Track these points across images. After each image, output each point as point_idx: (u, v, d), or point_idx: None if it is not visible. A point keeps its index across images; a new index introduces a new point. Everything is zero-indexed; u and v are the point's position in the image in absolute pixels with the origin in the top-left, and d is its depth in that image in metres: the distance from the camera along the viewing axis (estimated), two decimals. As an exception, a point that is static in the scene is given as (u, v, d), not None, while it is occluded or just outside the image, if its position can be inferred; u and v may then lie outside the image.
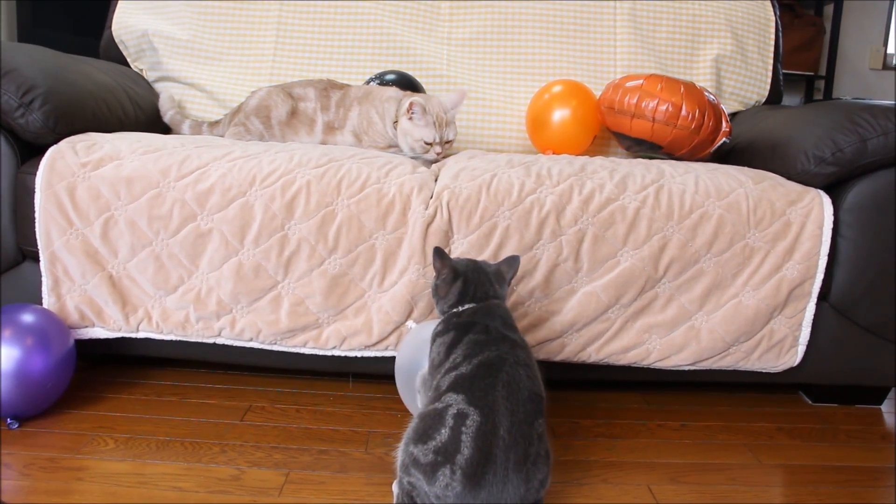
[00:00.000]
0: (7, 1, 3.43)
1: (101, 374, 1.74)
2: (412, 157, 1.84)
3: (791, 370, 1.68)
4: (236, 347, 1.62)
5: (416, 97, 1.84)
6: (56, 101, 1.60)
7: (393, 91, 1.95)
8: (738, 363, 1.64)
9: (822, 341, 1.67)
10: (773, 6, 2.43)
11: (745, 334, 1.62)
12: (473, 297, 1.30)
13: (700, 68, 2.33)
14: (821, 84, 4.43)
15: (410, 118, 1.82)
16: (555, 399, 1.73)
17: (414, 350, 1.45)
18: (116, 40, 2.29)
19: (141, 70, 2.30)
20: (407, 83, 2.10)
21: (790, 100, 4.36)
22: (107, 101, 1.82)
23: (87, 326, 1.59)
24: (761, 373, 1.68)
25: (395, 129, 1.88)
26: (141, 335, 1.60)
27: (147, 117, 2.04)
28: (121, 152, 1.58)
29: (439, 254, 1.30)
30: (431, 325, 1.48)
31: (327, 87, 1.98)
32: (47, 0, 3.42)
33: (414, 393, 1.42)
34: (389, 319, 1.57)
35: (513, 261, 1.35)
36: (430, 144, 1.82)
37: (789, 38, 4.04)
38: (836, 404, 1.80)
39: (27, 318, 1.46)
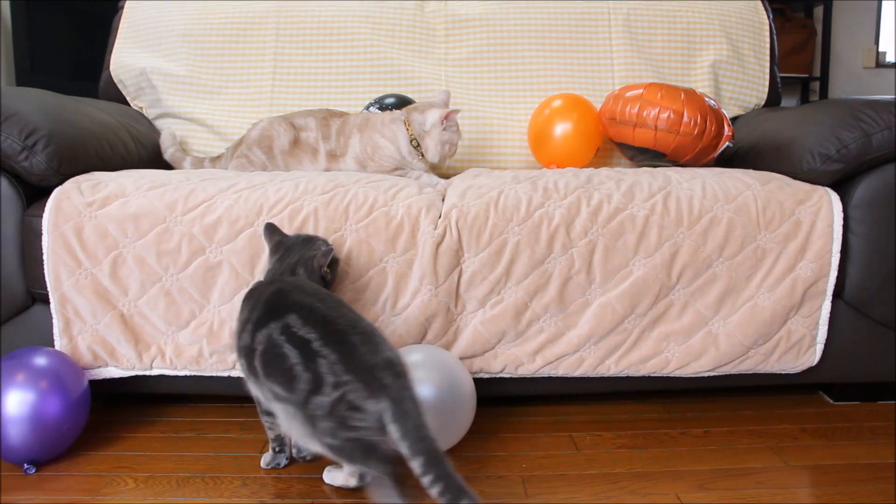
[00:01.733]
0: (5, 47, 3.46)
1: (117, 413, 1.72)
2: (424, 171, 1.94)
3: (810, 370, 1.66)
4: (251, 379, 1.61)
5: (433, 109, 1.90)
6: (59, 142, 1.60)
7: (390, 115, 1.96)
8: (757, 366, 1.63)
9: (839, 339, 1.65)
10: (766, 9, 2.44)
11: (763, 336, 1.60)
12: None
13: (698, 74, 2.34)
14: (816, 85, 4.45)
15: (446, 128, 1.89)
16: (574, 413, 1.72)
17: None
18: (115, 80, 2.30)
19: (141, 108, 2.31)
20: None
21: (787, 102, 4.38)
22: (109, 141, 1.82)
23: (100, 366, 1.58)
24: (780, 374, 1.67)
25: (413, 147, 1.91)
26: (155, 372, 1.59)
27: (149, 154, 2.05)
28: (126, 190, 1.58)
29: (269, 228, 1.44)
30: (411, 350, 1.48)
31: (327, 117, 1.99)
32: (45, 46, 3.45)
33: None
34: (404, 342, 1.56)
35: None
36: (456, 144, 1.94)
37: (781, 42, 4.06)
38: (857, 402, 1.78)
39: (40, 361, 1.45)
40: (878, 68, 4.58)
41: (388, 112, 1.98)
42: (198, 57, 2.28)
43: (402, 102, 2.11)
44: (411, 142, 1.91)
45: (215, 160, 2.05)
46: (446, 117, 1.89)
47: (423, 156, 1.93)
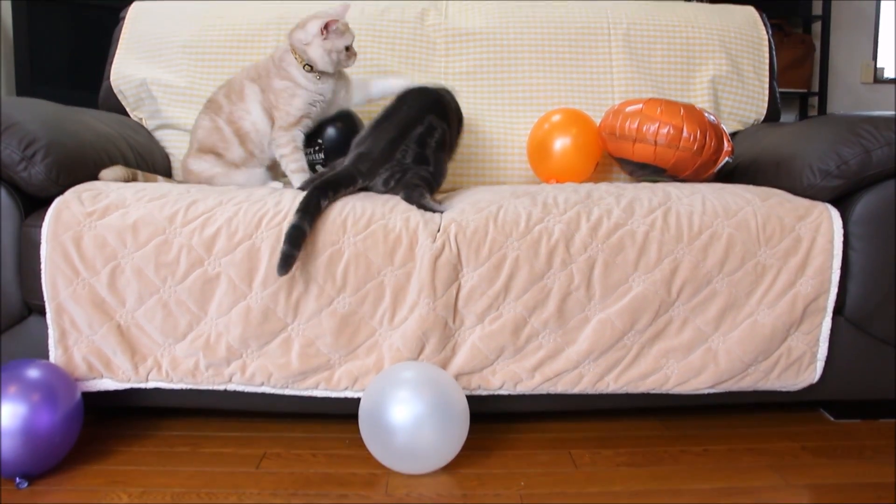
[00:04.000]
0: (6, 56, 3.46)
1: (110, 426, 1.71)
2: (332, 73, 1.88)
3: (811, 387, 1.65)
4: (248, 393, 1.60)
5: (313, 20, 1.83)
6: (58, 153, 1.60)
7: (278, 51, 1.90)
8: (757, 383, 1.62)
9: (840, 356, 1.65)
10: (765, 25, 2.45)
11: (763, 353, 1.60)
12: None
13: (697, 90, 2.34)
14: (814, 101, 4.46)
15: (327, 37, 1.82)
16: (573, 430, 1.71)
17: (380, 394, 1.44)
18: (115, 90, 2.29)
19: (140, 119, 2.30)
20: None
21: (786, 117, 4.39)
22: (108, 151, 1.82)
23: (95, 378, 1.57)
24: (781, 392, 1.66)
25: (306, 71, 1.85)
26: (150, 385, 1.58)
27: (148, 166, 2.04)
28: (126, 200, 1.57)
29: None
30: (402, 368, 1.47)
31: (206, 103, 1.96)
32: (45, 56, 3.46)
33: (380, 437, 1.42)
34: (401, 357, 1.55)
35: None
36: (349, 49, 1.87)
37: (780, 57, 4.07)
38: (858, 420, 1.77)
39: (32, 373, 1.43)
40: (877, 84, 4.60)
41: (277, 50, 1.91)
42: (198, 68, 2.28)
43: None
44: (304, 67, 1.85)
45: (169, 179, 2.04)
46: (325, 27, 1.81)
47: (319, 75, 1.86)
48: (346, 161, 1.72)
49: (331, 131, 1.96)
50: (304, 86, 1.86)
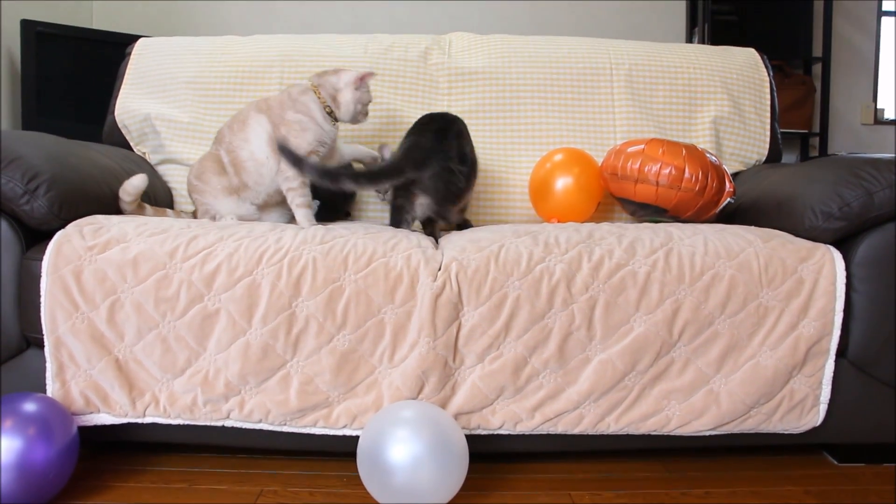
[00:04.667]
0: (13, 89, 3.49)
1: (106, 461, 1.69)
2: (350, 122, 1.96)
3: (814, 430, 1.64)
4: (245, 430, 1.58)
5: (347, 70, 1.93)
6: (60, 186, 1.60)
7: (296, 88, 1.94)
8: (759, 426, 1.61)
9: (843, 399, 1.63)
10: (766, 66, 2.47)
11: (765, 395, 1.58)
12: None
13: (699, 130, 2.35)
14: (815, 141, 4.48)
15: (359, 88, 1.91)
16: (573, 471, 1.69)
17: (379, 433, 1.43)
18: (119, 125, 2.31)
19: (144, 153, 2.31)
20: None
21: (786, 158, 4.41)
22: (110, 185, 1.82)
23: (92, 412, 1.56)
24: (784, 434, 1.64)
25: (326, 113, 1.90)
26: (147, 420, 1.57)
27: (150, 200, 2.05)
28: (127, 235, 1.57)
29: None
30: (402, 406, 1.46)
31: (217, 134, 1.98)
32: (51, 89, 3.49)
33: (379, 476, 1.40)
34: (401, 395, 1.53)
35: None
36: (367, 106, 1.97)
37: (781, 98, 4.10)
38: (862, 464, 1.75)
39: (28, 407, 1.42)
40: (877, 125, 4.63)
41: (293, 87, 1.95)
42: (202, 104, 2.30)
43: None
44: (324, 108, 1.90)
45: (178, 212, 2.04)
46: (360, 79, 1.90)
47: (335, 121, 1.93)
48: (395, 155, 1.87)
49: None
50: (320, 123, 1.89)
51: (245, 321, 1.52)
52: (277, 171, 1.89)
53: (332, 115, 1.91)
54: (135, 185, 1.81)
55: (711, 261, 1.58)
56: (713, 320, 1.56)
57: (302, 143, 1.87)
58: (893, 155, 1.69)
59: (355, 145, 2.11)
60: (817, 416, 1.61)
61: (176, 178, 2.26)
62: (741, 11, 4.38)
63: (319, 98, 1.90)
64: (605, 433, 1.59)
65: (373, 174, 1.83)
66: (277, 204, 1.97)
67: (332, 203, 2.12)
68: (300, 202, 1.87)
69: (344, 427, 1.56)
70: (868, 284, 1.60)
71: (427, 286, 1.52)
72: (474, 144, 2.01)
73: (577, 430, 1.58)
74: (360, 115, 1.94)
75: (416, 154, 1.84)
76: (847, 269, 1.60)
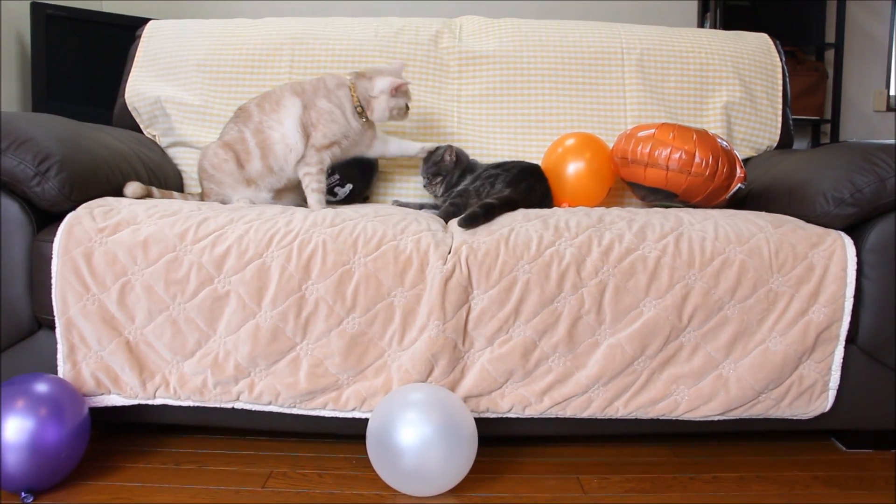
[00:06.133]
0: (24, 72, 3.50)
1: (116, 442, 1.70)
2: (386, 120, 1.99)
3: (822, 416, 1.64)
4: (255, 412, 1.59)
5: (384, 77, 1.95)
6: (71, 169, 1.61)
7: (333, 80, 1.96)
8: (768, 411, 1.60)
9: (852, 385, 1.63)
10: (779, 52, 2.45)
11: (774, 381, 1.58)
12: None
13: (710, 115, 2.34)
14: (827, 128, 4.45)
15: (395, 96, 1.94)
16: (581, 455, 1.69)
17: (388, 415, 1.44)
18: (129, 107, 2.31)
19: (154, 136, 2.32)
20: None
21: (798, 144, 4.38)
22: (121, 168, 1.83)
23: (102, 394, 1.57)
24: (792, 420, 1.64)
25: (357, 112, 1.94)
26: (158, 402, 1.58)
27: (160, 183, 2.05)
28: (138, 217, 1.57)
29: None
30: (411, 389, 1.47)
31: (236, 112, 1.98)
32: (62, 72, 3.49)
33: (388, 459, 1.41)
34: (410, 378, 1.54)
35: None
36: (407, 107, 1.99)
37: (793, 84, 4.07)
38: (870, 450, 1.74)
39: (40, 387, 1.43)
40: (889, 112, 4.59)
41: (329, 76, 1.98)
42: (212, 87, 2.29)
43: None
44: (356, 107, 1.94)
45: (185, 195, 2.03)
46: (396, 88, 1.93)
47: (366, 119, 1.96)
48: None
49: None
50: (349, 118, 1.94)
51: (255, 304, 1.52)
52: (301, 157, 1.91)
53: (362, 114, 1.95)
54: (127, 194, 1.79)
55: (722, 246, 1.57)
56: (723, 305, 1.56)
57: (328, 132, 1.91)
58: (905, 141, 1.67)
59: (403, 141, 2.13)
60: (826, 402, 1.61)
61: (186, 161, 2.26)
62: (754, -4, 4.34)
63: (353, 96, 1.93)
64: (613, 417, 1.59)
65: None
66: (290, 190, 1.99)
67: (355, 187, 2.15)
68: (315, 187, 1.89)
69: (353, 410, 1.56)
70: (879, 271, 1.59)
71: (437, 269, 1.52)
72: (485, 129, 2.01)
73: (585, 414, 1.58)
74: (395, 117, 1.98)
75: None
76: (858, 255, 1.59)
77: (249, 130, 1.91)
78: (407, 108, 1.99)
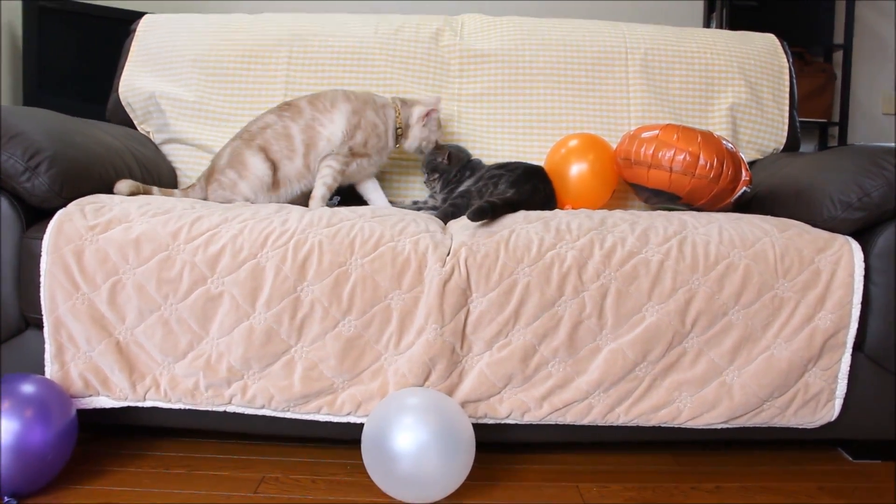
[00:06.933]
0: (15, 65, 3.47)
1: (105, 445, 1.67)
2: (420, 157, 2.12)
3: (828, 425, 1.60)
4: (248, 416, 1.56)
5: (419, 105, 2.06)
6: (63, 164, 1.57)
7: (380, 98, 2.04)
8: (772, 419, 1.57)
9: (859, 394, 1.59)
10: (786, 53, 2.41)
11: (779, 389, 1.55)
12: None
13: (715, 117, 2.31)
14: (835, 131, 4.41)
15: (425, 124, 2.04)
16: (581, 462, 1.66)
17: (384, 420, 1.40)
18: (123, 103, 2.28)
19: (148, 132, 2.28)
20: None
21: (805, 147, 4.34)
22: (114, 164, 1.80)
23: (91, 395, 1.54)
24: (797, 429, 1.61)
25: (397, 134, 2.04)
26: (148, 404, 1.54)
27: (154, 180, 2.02)
28: (130, 215, 1.54)
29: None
30: (407, 393, 1.43)
31: (282, 106, 1.98)
32: (54, 66, 3.45)
33: (383, 464, 1.38)
34: (407, 382, 1.50)
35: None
36: (437, 143, 2.09)
37: (800, 86, 4.03)
38: (878, 460, 1.71)
39: (27, 388, 1.40)
40: (898, 115, 4.56)
41: (375, 94, 2.05)
42: (208, 83, 2.26)
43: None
44: (397, 129, 2.03)
45: (186, 190, 1.99)
46: (426, 115, 2.03)
47: (398, 145, 2.06)
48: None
49: None
50: (388, 138, 2.03)
51: (249, 305, 1.49)
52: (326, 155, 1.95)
53: (399, 138, 2.05)
54: (119, 190, 1.77)
55: (726, 250, 1.54)
56: (727, 311, 1.53)
57: (369, 143, 1.98)
58: (914, 145, 1.64)
59: (382, 195, 2.12)
60: (832, 410, 1.57)
61: (181, 158, 2.23)
62: (761, -4, 4.30)
63: (398, 118, 2.01)
64: (614, 424, 1.56)
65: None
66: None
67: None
68: (329, 182, 1.95)
69: (348, 414, 1.53)
70: (887, 276, 1.56)
71: (435, 271, 1.49)
72: (486, 129, 1.99)
73: (585, 421, 1.55)
74: (424, 149, 2.08)
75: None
76: (865, 260, 1.56)
77: (298, 127, 1.94)
78: (437, 144, 2.08)
